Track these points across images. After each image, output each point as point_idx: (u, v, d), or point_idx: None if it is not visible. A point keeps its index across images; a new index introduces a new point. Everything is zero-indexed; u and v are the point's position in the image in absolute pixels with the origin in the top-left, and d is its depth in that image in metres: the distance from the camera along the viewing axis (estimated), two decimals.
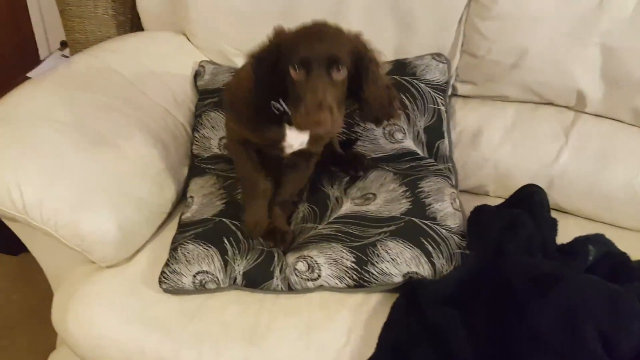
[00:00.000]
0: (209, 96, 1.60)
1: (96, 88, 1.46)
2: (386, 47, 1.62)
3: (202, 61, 1.69)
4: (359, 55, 1.12)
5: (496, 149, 1.58)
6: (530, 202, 1.41)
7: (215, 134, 1.53)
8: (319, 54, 1.06)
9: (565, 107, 1.59)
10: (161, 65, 1.62)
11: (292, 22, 1.58)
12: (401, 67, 1.60)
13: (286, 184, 1.38)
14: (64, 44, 2.11)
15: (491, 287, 1.20)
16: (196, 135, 1.55)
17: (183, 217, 1.38)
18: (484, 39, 1.54)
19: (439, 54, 1.62)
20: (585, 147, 1.54)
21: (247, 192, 1.36)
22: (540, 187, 1.44)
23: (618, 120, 1.57)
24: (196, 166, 1.50)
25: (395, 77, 1.56)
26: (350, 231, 1.31)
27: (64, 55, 2.04)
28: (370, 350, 1.15)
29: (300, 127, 1.08)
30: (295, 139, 1.25)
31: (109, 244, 1.26)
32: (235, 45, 1.69)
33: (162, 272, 1.25)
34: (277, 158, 1.32)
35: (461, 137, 1.61)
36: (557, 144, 1.55)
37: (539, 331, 1.08)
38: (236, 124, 1.28)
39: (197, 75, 1.66)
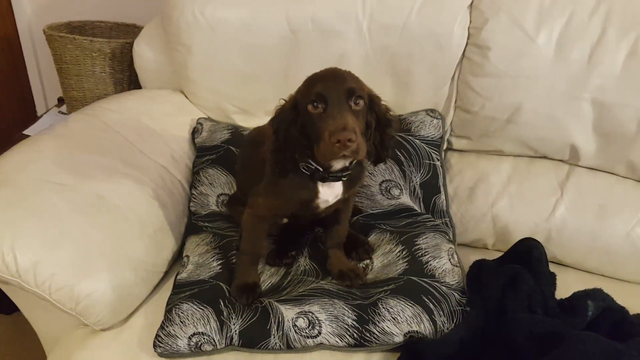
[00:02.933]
0: (206, 153, 1.61)
1: (95, 148, 1.47)
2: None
3: (200, 118, 1.71)
4: (372, 98, 1.16)
5: (494, 203, 1.59)
6: (528, 256, 1.40)
7: (213, 191, 1.54)
8: (336, 87, 1.10)
9: (560, 160, 1.61)
10: (159, 123, 1.63)
11: (291, 81, 1.61)
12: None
13: (336, 228, 1.38)
14: (61, 101, 2.13)
15: (494, 347, 1.19)
16: (194, 192, 1.55)
17: (179, 277, 1.36)
18: (477, 96, 1.57)
19: (432, 110, 1.64)
20: (581, 200, 1.55)
21: (243, 261, 1.34)
22: (537, 241, 1.44)
23: (612, 174, 1.58)
24: (193, 224, 1.49)
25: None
26: (352, 290, 1.30)
27: (61, 112, 2.05)
28: None
29: (326, 157, 1.09)
30: (329, 194, 1.25)
31: (105, 307, 1.24)
32: (236, 103, 1.71)
33: (157, 336, 1.22)
34: (313, 215, 1.32)
35: (458, 191, 1.62)
36: (553, 198, 1.56)
37: None
38: (267, 197, 1.28)
39: (194, 132, 1.67)
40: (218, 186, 1.54)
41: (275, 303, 1.26)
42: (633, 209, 1.53)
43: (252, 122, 1.72)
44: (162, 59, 1.75)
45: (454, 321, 1.25)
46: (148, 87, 1.80)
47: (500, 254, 1.49)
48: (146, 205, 1.42)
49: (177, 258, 1.47)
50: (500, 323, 1.22)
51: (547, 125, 1.55)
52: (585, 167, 1.60)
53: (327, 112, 1.08)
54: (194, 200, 1.54)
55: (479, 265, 1.44)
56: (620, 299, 1.31)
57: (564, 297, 1.32)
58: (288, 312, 1.25)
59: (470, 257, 1.46)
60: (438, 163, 1.57)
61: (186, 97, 1.76)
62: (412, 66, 1.60)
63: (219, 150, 1.60)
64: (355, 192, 1.39)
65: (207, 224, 1.48)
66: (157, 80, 1.79)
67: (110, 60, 1.83)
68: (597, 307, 1.28)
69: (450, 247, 1.43)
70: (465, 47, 1.57)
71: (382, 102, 1.21)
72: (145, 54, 1.76)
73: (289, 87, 1.62)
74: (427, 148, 1.57)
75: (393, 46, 1.60)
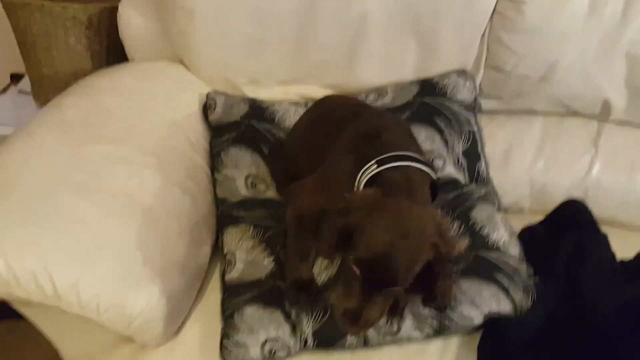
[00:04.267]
0: (225, 131, 1.43)
1: (102, 137, 1.26)
2: (407, 66, 1.56)
3: (210, 92, 1.51)
4: (436, 255, 0.99)
5: (530, 167, 1.56)
6: (580, 219, 1.39)
7: (240, 173, 1.37)
8: (384, 274, 0.93)
9: (589, 117, 1.59)
10: (164, 101, 1.43)
11: (306, 46, 1.48)
12: (429, 88, 1.52)
13: None
14: (15, 78, 1.84)
15: (576, 321, 1.16)
16: (217, 176, 1.38)
17: (227, 277, 1.21)
18: (511, 53, 1.50)
19: (463, 71, 1.55)
20: (614, 156, 1.55)
21: (292, 259, 1.19)
22: (583, 203, 1.42)
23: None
24: (226, 214, 1.32)
25: (426, 99, 1.48)
26: None
27: (22, 92, 1.77)
28: None
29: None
30: None
31: (161, 321, 1.08)
32: (244, 74, 1.53)
33: (223, 347, 1.08)
34: None
35: (492, 155, 1.55)
36: (588, 156, 1.55)
37: None
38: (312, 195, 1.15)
39: (207, 109, 1.48)
40: (244, 167, 1.38)
41: None
42: None
43: (263, 93, 1.56)
44: (155, 26, 1.52)
45: (530, 296, 1.20)
46: (137, 60, 1.57)
47: (537, 217, 1.46)
48: (177, 199, 1.24)
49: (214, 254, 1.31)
50: (576, 298, 1.19)
51: (581, 81, 1.51)
52: (614, 123, 1.59)
53: (359, 293, 0.95)
54: (220, 186, 1.37)
55: (528, 232, 1.41)
56: None
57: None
58: None
59: (511, 223, 1.40)
60: (476, 128, 1.50)
61: (187, 69, 1.55)
62: (438, 24, 1.49)
63: (239, 127, 1.43)
64: None
65: (242, 214, 1.31)
66: (149, 51, 1.56)
67: (87, 30, 1.57)
68: None
69: (502, 216, 1.37)
70: (497, 1, 1.48)
71: (451, 254, 1.02)
72: (134, 20, 1.52)
73: (304, 54, 1.51)
74: (464, 113, 1.49)
75: (418, 3, 1.47)
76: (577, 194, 1.51)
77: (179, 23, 1.45)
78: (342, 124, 1.20)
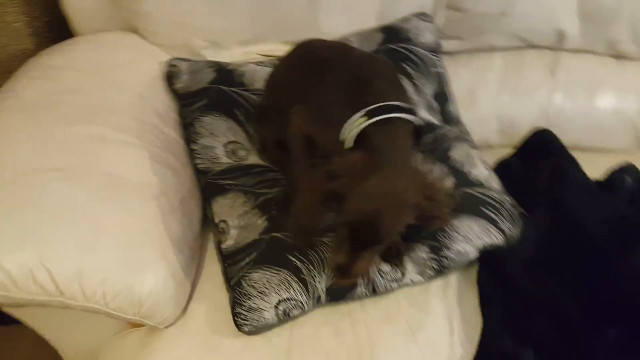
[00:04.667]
0: (194, 99, 1.37)
1: (70, 117, 1.19)
2: (369, 13, 1.54)
3: (171, 60, 1.44)
4: (419, 213, 1.03)
5: (495, 102, 1.60)
6: (549, 147, 1.46)
7: (218, 142, 1.32)
8: (368, 235, 0.99)
9: (546, 48, 1.64)
10: (125, 73, 1.35)
11: (266, 2, 1.43)
12: (393, 33, 1.51)
13: None
14: None
15: (566, 239, 1.22)
16: (195, 147, 1.32)
17: (223, 246, 1.19)
18: None
19: (423, 13, 1.55)
20: (572, 83, 1.62)
21: (295, 183, 1.18)
22: (550, 131, 1.49)
23: (592, 53, 1.65)
24: (212, 184, 1.28)
25: (392, 45, 1.48)
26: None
27: None
28: (476, 330, 1.14)
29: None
30: None
31: (170, 301, 1.06)
32: (205, 36, 1.47)
33: (237, 314, 1.07)
34: None
35: (458, 94, 1.57)
36: (548, 85, 1.60)
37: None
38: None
39: (171, 78, 1.41)
40: (221, 135, 1.33)
41: None
42: (615, 84, 1.63)
43: (224, 56, 1.50)
44: None
45: (518, 225, 1.25)
46: (84, 32, 1.47)
47: (506, 151, 1.52)
48: (161, 174, 1.19)
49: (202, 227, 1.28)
50: (563, 218, 1.25)
51: (537, 13, 1.55)
52: (569, 51, 1.64)
53: (345, 246, 1.00)
54: (199, 156, 1.31)
55: (503, 165, 1.46)
56: None
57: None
58: None
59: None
60: (442, 70, 1.51)
61: (142, 37, 1.46)
62: None
63: (209, 93, 1.37)
64: None
65: (229, 182, 1.28)
66: (97, 22, 1.45)
67: (25, 6, 1.45)
68: (634, 180, 1.36)
69: (477, 153, 1.41)
70: None
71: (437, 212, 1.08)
72: None
73: (264, 9, 1.46)
74: (430, 55, 1.49)
75: None
76: (541, 124, 1.57)
77: None
78: (331, 64, 1.18)
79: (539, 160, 1.38)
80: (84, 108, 1.22)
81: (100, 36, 1.43)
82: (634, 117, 1.63)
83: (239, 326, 1.07)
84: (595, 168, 1.43)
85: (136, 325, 1.14)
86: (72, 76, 1.29)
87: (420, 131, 1.16)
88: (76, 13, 1.45)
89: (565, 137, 1.58)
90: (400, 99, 1.12)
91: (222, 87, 1.39)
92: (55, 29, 1.53)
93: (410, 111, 1.11)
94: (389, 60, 1.31)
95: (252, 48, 1.52)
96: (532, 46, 1.63)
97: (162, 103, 1.37)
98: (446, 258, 1.18)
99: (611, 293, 1.12)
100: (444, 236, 1.19)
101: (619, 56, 1.65)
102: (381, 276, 1.15)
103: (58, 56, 1.36)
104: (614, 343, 1.05)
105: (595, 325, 1.07)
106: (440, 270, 1.18)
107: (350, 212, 1.00)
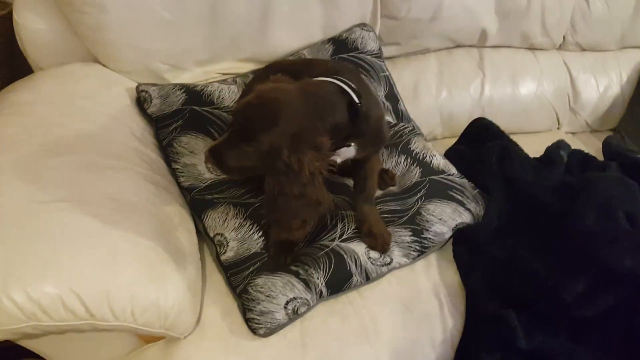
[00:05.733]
0: (171, 121, 1.42)
1: (56, 148, 1.19)
2: (315, 26, 1.65)
3: (140, 85, 1.47)
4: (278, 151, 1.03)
5: (436, 97, 1.77)
6: (489, 133, 1.63)
7: (199, 159, 1.38)
8: (236, 122, 1.05)
9: (470, 45, 1.83)
10: (96, 102, 1.36)
11: (220, 23, 1.51)
12: (342, 44, 1.64)
13: (362, 180, 1.30)
14: None
15: (524, 209, 1.39)
16: (177, 166, 1.37)
17: (223, 257, 1.25)
18: (402, 1, 1.66)
19: (364, 24, 1.69)
20: (498, 75, 1.83)
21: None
22: (486, 118, 1.67)
23: (510, 47, 1.87)
24: (200, 199, 1.33)
25: (343, 55, 1.60)
26: (392, 208, 1.36)
27: None
28: (461, 300, 1.28)
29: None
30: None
31: (190, 312, 1.11)
32: (166, 59, 1.51)
33: (250, 320, 1.14)
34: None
35: (403, 94, 1.72)
36: (478, 79, 1.80)
37: (587, 226, 1.30)
38: None
39: (142, 102, 1.45)
40: (201, 152, 1.38)
41: (342, 244, 1.27)
42: (533, 72, 1.87)
43: (186, 77, 1.56)
44: (58, 28, 1.43)
45: (480, 203, 1.42)
46: (44, 66, 1.46)
47: (450, 141, 1.69)
48: (156, 194, 1.24)
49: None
50: (518, 191, 1.42)
51: (463, 15, 1.74)
52: (490, 47, 1.85)
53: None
54: (182, 175, 1.37)
55: (452, 152, 1.62)
56: (542, 145, 1.62)
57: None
58: (358, 248, 1.27)
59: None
60: (388, 73, 1.65)
61: (104, 65, 1.48)
62: None
63: (183, 114, 1.43)
64: (375, 151, 1.31)
65: (217, 195, 1.34)
66: (56, 55, 1.45)
67: None
68: (568, 154, 1.57)
69: (430, 144, 1.56)
70: None
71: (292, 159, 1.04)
72: (34, 25, 1.41)
73: (217, 29, 1.54)
74: (377, 62, 1.63)
75: None
76: (477, 113, 1.76)
77: (89, 19, 1.38)
78: (298, 73, 1.20)
79: (483, 145, 1.55)
80: (67, 138, 1.23)
81: (63, 68, 1.43)
82: (552, 100, 1.87)
83: (253, 330, 1.14)
84: (525, 147, 1.59)
85: (149, 340, 1.18)
86: (45, 110, 1.29)
87: (356, 111, 1.12)
88: (33, 47, 1.45)
89: (496, 122, 1.76)
90: (358, 85, 1.16)
91: (194, 107, 1.45)
92: (8, 63, 1.51)
93: (354, 91, 1.12)
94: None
95: (210, 67, 1.59)
96: (460, 45, 1.82)
97: (138, 126, 1.41)
98: (427, 239, 1.32)
99: (568, 249, 1.29)
100: (422, 219, 1.33)
101: (532, 48, 1.88)
102: (372, 263, 1.26)
103: (25, 91, 1.35)
104: (583, 292, 1.21)
105: (564, 278, 1.23)
106: (423, 251, 1.32)
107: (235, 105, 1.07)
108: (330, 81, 1.11)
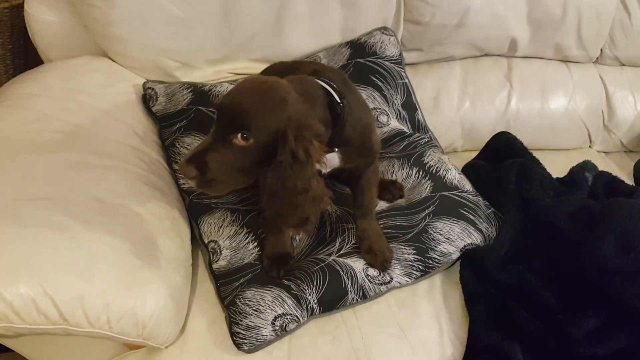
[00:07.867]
0: (174, 120, 1.38)
1: (50, 144, 1.17)
2: (334, 29, 1.59)
3: (147, 82, 1.45)
4: (283, 138, 0.94)
5: (458, 108, 1.68)
6: (511, 148, 1.53)
7: None
8: (222, 110, 0.95)
9: (498, 55, 1.74)
10: (99, 98, 1.35)
11: (234, 22, 1.46)
12: (359, 48, 1.57)
13: (361, 191, 1.22)
14: None
15: (539, 234, 1.30)
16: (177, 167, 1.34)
17: (215, 266, 1.21)
18: (427, 5, 1.59)
19: (385, 28, 1.62)
20: (526, 87, 1.73)
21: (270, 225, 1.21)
22: (510, 133, 1.57)
23: (541, 58, 1.76)
24: (197, 203, 1.29)
25: (360, 60, 1.53)
26: (397, 223, 1.29)
27: None
28: (464, 328, 1.20)
29: None
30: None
31: (170, 321, 1.06)
32: (176, 57, 1.48)
33: (235, 333, 1.09)
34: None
35: (423, 103, 1.65)
36: (505, 91, 1.71)
37: (605, 257, 1.20)
38: None
39: (147, 100, 1.42)
40: None
41: (339, 259, 1.20)
42: (565, 86, 1.76)
43: (197, 76, 1.52)
44: (69, 20, 1.41)
45: (493, 224, 1.33)
46: (53, 58, 1.45)
47: (471, 155, 1.60)
48: (149, 196, 1.20)
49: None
50: (533, 215, 1.34)
51: (491, 23, 1.65)
52: (520, 57, 1.75)
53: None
54: (182, 176, 1.33)
55: (470, 167, 1.53)
56: (569, 164, 1.51)
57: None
58: (356, 264, 1.20)
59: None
60: (407, 80, 1.58)
61: (113, 60, 1.46)
62: None
63: (188, 114, 1.39)
64: (368, 163, 1.21)
65: (214, 200, 1.30)
66: (66, 47, 1.44)
67: None
68: (594, 176, 1.46)
69: (448, 158, 1.48)
70: None
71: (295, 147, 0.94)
72: (45, 17, 1.40)
73: (231, 28, 1.49)
74: (396, 68, 1.56)
75: None
76: (501, 126, 1.67)
77: (98, 13, 1.36)
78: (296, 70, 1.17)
79: (503, 161, 1.46)
80: (63, 135, 1.21)
81: (71, 61, 1.42)
82: (583, 117, 1.76)
83: (238, 345, 1.09)
84: (549, 167, 1.49)
85: (133, 347, 1.14)
86: (44, 103, 1.27)
87: (338, 111, 1.04)
88: (44, 39, 1.44)
89: (522, 138, 1.67)
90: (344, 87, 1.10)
91: (200, 107, 1.41)
92: (22, 56, 1.51)
93: (338, 93, 1.06)
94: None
95: (222, 67, 1.55)
96: (488, 54, 1.73)
97: (141, 125, 1.38)
98: (431, 259, 1.24)
99: (582, 281, 1.20)
100: (428, 238, 1.25)
101: (565, 60, 1.78)
102: (370, 281, 1.19)
103: (30, 83, 1.34)
104: (594, 329, 1.12)
105: (574, 312, 1.15)
106: (426, 271, 1.24)
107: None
108: (311, 78, 1.05)
